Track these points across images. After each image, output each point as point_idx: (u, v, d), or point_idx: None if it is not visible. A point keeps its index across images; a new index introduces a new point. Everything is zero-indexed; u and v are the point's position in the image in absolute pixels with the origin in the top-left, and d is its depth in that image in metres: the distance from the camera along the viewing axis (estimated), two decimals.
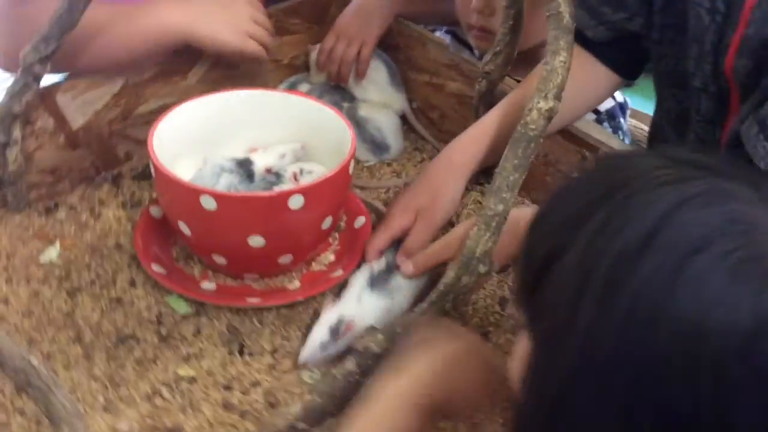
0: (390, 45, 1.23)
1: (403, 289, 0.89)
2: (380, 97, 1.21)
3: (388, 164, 1.15)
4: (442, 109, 1.19)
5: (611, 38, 0.97)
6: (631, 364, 0.39)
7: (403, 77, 1.21)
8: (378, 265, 0.90)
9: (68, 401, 0.68)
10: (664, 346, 0.38)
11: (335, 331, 0.82)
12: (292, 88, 1.22)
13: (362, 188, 1.09)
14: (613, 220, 0.41)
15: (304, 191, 0.83)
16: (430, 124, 1.21)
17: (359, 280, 0.88)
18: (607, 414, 0.40)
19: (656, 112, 1.04)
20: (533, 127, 0.81)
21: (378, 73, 1.21)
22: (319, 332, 0.82)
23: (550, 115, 0.81)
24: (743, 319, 0.37)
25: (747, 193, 0.41)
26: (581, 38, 0.95)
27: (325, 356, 0.83)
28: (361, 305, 0.86)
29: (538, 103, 0.81)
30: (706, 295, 0.37)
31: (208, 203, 0.81)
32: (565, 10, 0.83)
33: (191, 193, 0.82)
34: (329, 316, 0.83)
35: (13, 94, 0.91)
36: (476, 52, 1.33)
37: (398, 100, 1.21)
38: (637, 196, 0.41)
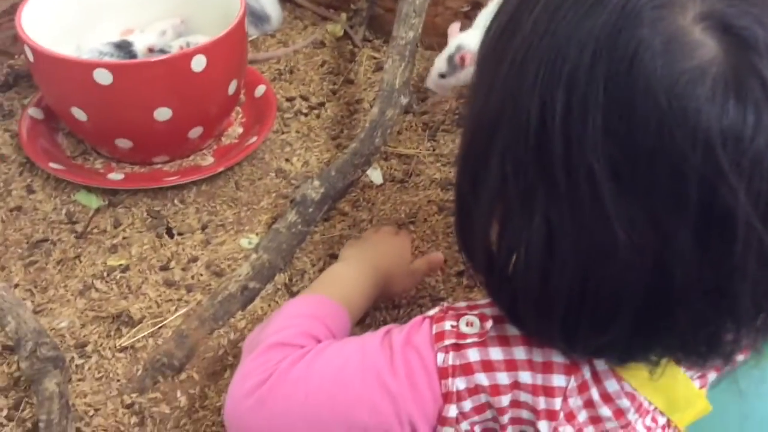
0: None
1: None
2: None
3: (272, 35, 1.10)
4: None
5: None
6: (513, 104, 0.41)
7: None
8: None
9: (5, 291, 0.63)
10: (537, 72, 0.41)
11: (451, 60, 0.82)
12: None
13: (252, 62, 1.04)
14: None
15: (205, 50, 0.77)
16: None
17: (489, 9, 0.84)
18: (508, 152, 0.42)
19: None
20: None
21: None
22: (439, 62, 0.83)
23: None
24: (591, 39, 0.39)
25: None
26: None
27: (445, 84, 0.84)
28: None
29: None
30: (569, 24, 0.40)
31: (103, 77, 0.74)
32: None
33: (82, 68, 0.75)
34: (450, 43, 0.82)
35: None
36: None
37: None
38: None
